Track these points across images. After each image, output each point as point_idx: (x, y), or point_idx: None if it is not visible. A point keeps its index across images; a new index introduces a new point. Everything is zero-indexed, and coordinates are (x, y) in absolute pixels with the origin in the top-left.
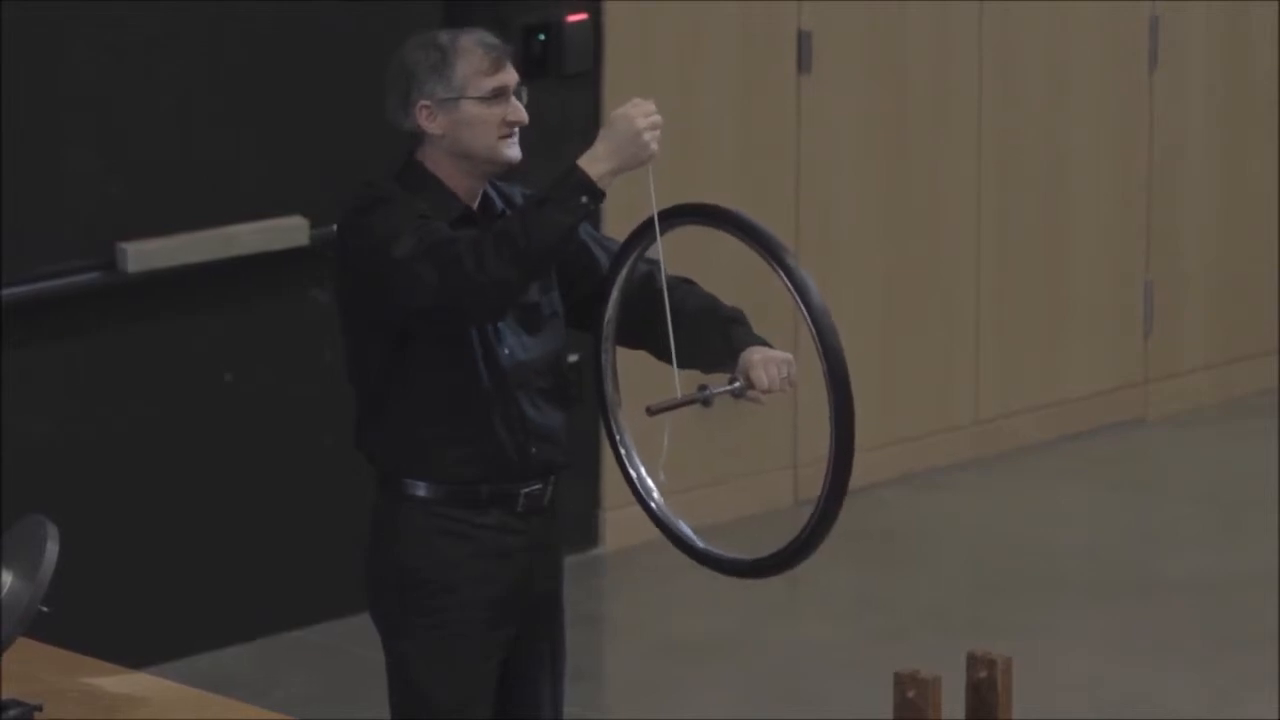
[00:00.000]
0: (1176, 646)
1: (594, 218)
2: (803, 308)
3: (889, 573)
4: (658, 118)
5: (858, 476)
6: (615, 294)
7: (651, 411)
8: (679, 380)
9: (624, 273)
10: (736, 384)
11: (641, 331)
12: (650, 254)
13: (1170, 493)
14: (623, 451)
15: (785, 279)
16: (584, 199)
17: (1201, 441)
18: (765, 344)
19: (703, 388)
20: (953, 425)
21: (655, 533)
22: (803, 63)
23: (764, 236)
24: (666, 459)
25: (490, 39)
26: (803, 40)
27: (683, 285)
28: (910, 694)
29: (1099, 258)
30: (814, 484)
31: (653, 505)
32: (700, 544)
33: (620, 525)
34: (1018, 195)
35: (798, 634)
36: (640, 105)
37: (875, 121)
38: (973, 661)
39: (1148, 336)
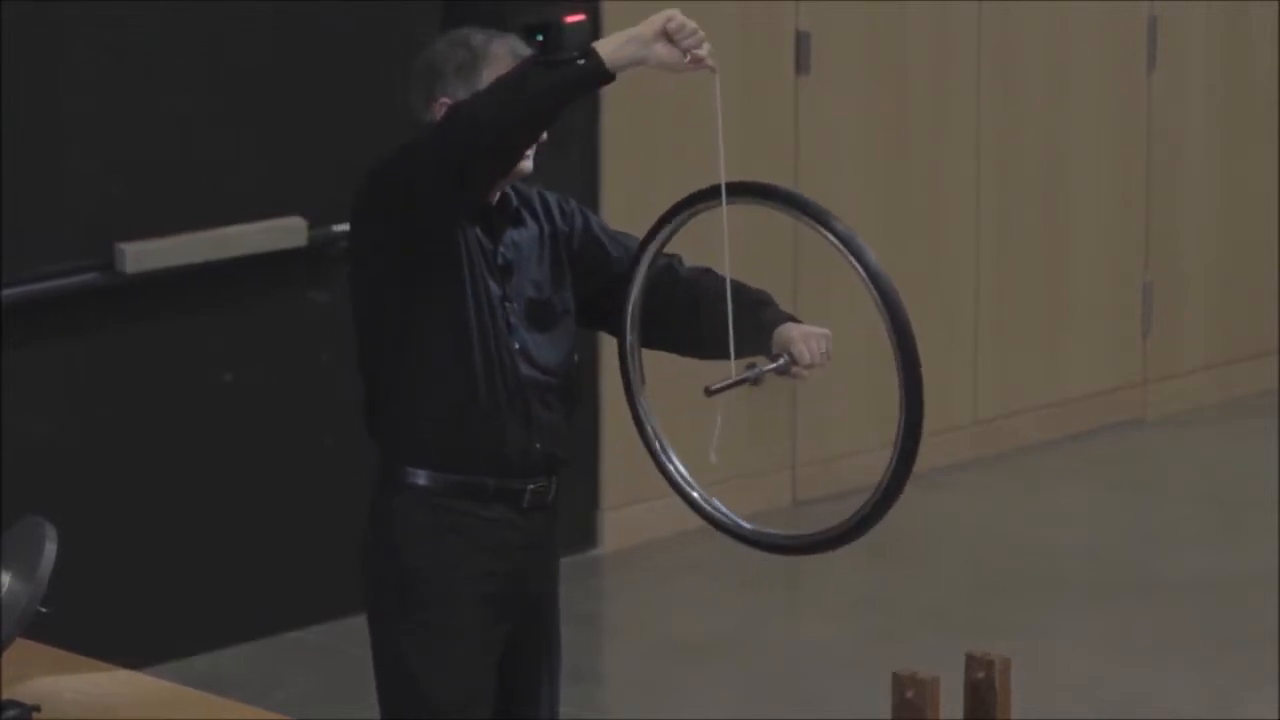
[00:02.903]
0: (1176, 646)
1: (595, 213)
2: (860, 271)
3: (888, 573)
4: (685, 21)
5: (856, 477)
6: (639, 284)
7: (710, 392)
8: (734, 363)
9: (645, 263)
10: (781, 360)
11: (663, 325)
12: (672, 245)
13: (1170, 493)
14: (657, 445)
15: (840, 246)
16: (580, 58)
17: (1201, 441)
18: (796, 321)
19: (751, 365)
20: (952, 425)
21: (655, 533)
22: (801, 63)
23: (811, 206)
24: (717, 440)
25: (523, 49)
26: (801, 41)
27: (705, 274)
28: (909, 694)
29: (1098, 258)
30: (813, 484)
31: (695, 496)
32: (748, 526)
33: (620, 525)
34: (1017, 196)
35: (797, 634)
36: (675, 13)
37: (874, 122)
38: (971, 662)
39: (1147, 337)
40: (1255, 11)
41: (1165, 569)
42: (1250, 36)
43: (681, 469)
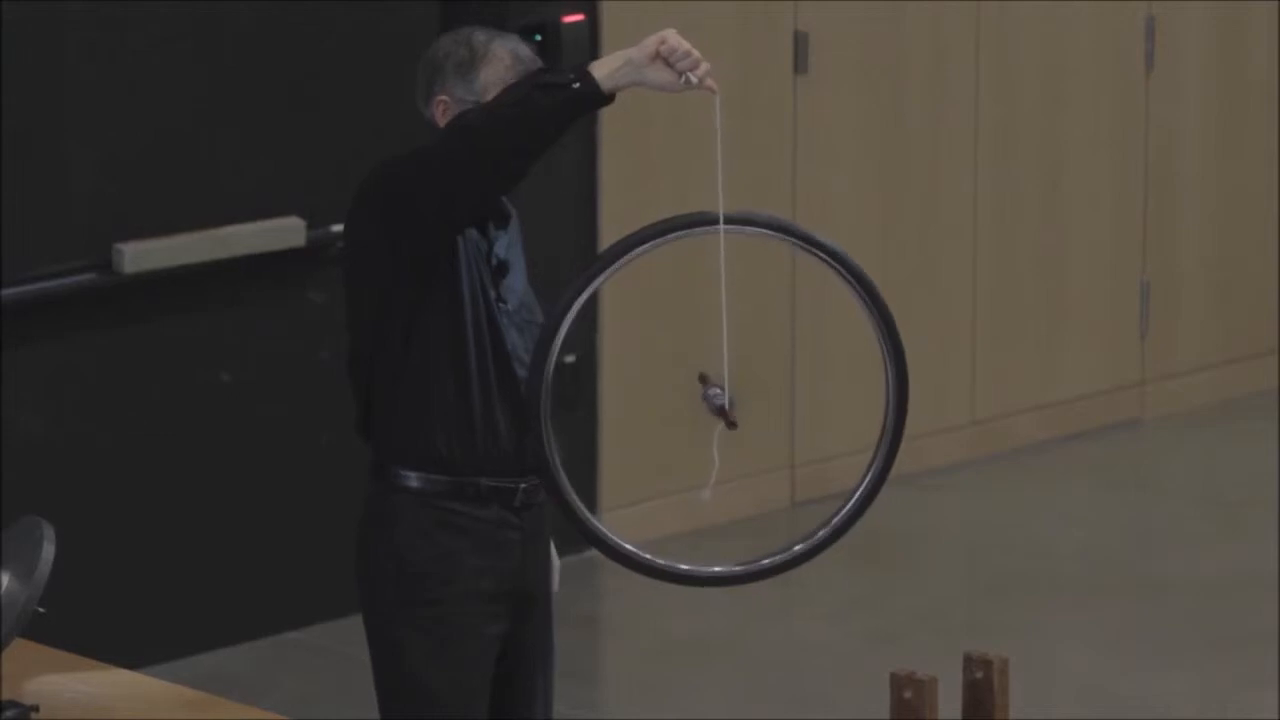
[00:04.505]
0: (1176, 646)
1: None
2: (839, 270)
3: (886, 573)
4: (679, 44)
5: (855, 477)
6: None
7: (734, 425)
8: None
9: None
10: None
11: None
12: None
13: (1169, 493)
14: (583, 516)
15: (818, 253)
16: (574, 82)
17: (1200, 442)
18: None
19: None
20: (950, 426)
21: (654, 533)
22: (799, 63)
23: (788, 227)
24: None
25: (524, 51)
26: (799, 41)
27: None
28: (907, 695)
29: (1096, 258)
30: (812, 484)
31: (648, 561)
32: (710, 570)
33: (618, 526)
34: (1014, 196)
35: (795, 635)
36: (669, 35)
37: (873, 122)
38: (969, 662)
39: (1144, 337)
40: (1253, 13)
41: (1164, 569)
42: (1246, 37)
43: (619, 539)
